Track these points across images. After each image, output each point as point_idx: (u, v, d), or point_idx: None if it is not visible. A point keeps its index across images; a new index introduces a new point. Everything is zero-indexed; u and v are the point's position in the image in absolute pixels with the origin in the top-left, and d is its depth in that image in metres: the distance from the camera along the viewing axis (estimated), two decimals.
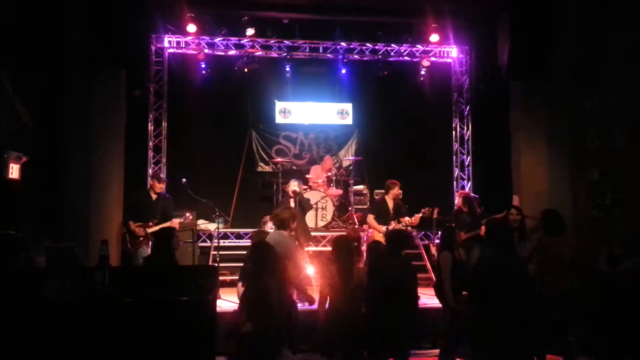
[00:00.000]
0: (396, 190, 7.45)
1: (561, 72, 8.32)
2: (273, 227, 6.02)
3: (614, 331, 5.22)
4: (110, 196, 8.22)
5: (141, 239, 6.79)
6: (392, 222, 7.18)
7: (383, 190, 7.79)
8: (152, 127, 9.59)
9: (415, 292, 4.84)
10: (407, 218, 7.15)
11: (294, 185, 7.39)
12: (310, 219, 8.46)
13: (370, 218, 7.43)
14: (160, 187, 7.03)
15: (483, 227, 6.85)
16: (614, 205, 7.39)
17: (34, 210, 6.94)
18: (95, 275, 3.76)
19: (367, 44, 9.87)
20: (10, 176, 6.47)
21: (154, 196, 7.03)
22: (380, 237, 6.90)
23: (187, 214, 7.54)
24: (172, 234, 5.56)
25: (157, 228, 6.71)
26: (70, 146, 7.91)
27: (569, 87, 8.32)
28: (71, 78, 7.98)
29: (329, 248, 5.95)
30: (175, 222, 6.98)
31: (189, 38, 9.49)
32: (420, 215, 7.20)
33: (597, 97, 7.83)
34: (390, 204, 7.39)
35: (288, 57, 9.80)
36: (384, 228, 7.12)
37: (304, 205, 7.51)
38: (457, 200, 8.07)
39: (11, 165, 6.53)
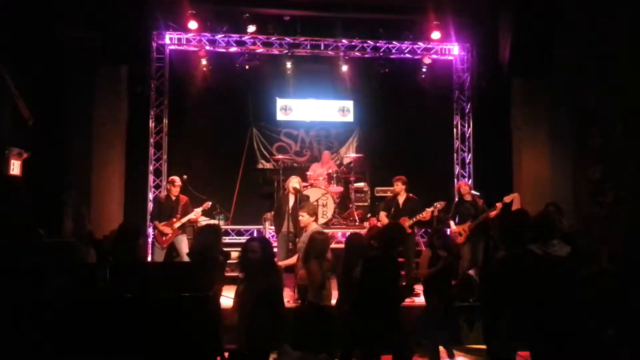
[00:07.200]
0: (396, 187, 7.43)
1: (563, 69, 8.30)
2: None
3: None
4: (111, 191, 8.24)
5: (169, 235, 7.34)
6: (404, 218, 7.06)
7: (384, 188, 7.69)
8: (153, 124, 9.58)
9: (396, 290, 4.47)
10: (421, 214, 7.03)
11: (294, 182, 7.36)
12: None
13: (382, 215, 7.46)
14: (176, 190, 7.51)
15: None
16: (616, 203, 7.38)
17: (35, 206, 6.96)
18: (96, 271, 3.77)
19: (369, 41, 9.83)
20: (12, 172, 6.50)
21: (173, 198, 7.54)
22: None
23: (206, 202, 7.71)
24: (138, 234, 5.41)
25: (182, 221, 7.38)
26: (72, 142, 7.95)
27: (571, 84, 8.31)
28: (72, 75, 8.02)
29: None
30: (198, 211, 7.54)
31: (190, 35, 9.48)
32: (432, 209, 7.07)
33: (599, 94, 7.82)
34: (400, 200, 7.37)
35: (289, 54, 9.78)
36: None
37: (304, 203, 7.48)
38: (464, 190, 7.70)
39: (12, 161, 6.56)
